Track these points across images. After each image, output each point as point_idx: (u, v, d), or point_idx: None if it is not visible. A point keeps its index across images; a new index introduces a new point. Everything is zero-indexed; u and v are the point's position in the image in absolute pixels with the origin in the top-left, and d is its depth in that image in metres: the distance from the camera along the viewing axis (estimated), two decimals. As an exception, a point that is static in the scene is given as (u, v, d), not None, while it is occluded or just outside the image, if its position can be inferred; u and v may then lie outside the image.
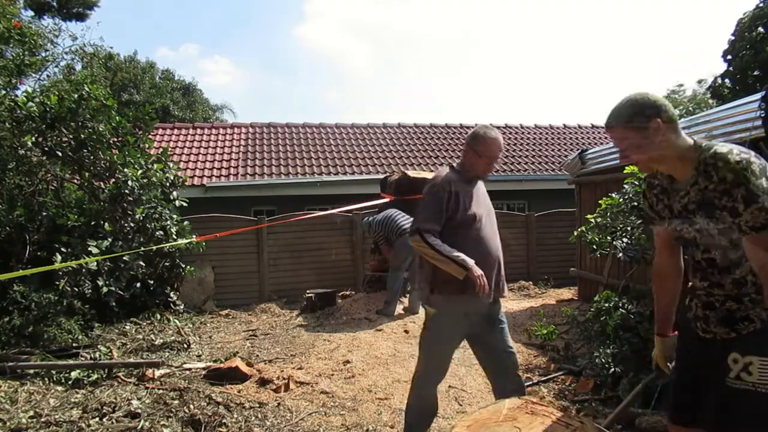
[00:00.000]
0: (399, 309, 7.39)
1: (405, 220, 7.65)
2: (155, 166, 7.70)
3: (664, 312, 2.09)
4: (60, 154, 7.14)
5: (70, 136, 7.12)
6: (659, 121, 1.73)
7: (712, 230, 1.72)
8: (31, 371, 4.77)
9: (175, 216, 7.56)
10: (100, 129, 7.19)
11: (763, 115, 4.19)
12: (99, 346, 5.64)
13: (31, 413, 3.83)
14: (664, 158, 1.78)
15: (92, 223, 6.81)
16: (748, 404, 1.68)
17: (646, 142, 1.74)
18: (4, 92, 7.50)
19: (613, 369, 4.10)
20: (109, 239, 6.56)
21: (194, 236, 7.29)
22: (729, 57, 16.77)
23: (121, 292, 6.63)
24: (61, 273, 6.01)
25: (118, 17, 47.03)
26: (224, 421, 3.70)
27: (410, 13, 74.25)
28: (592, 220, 4.62)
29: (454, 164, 2.93)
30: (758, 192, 1.56)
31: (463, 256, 2.64)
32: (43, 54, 12.49)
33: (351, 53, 63.52)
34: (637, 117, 1.74)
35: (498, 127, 15.95)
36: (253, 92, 58.66)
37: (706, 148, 1.72)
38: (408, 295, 7.73)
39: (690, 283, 1.94)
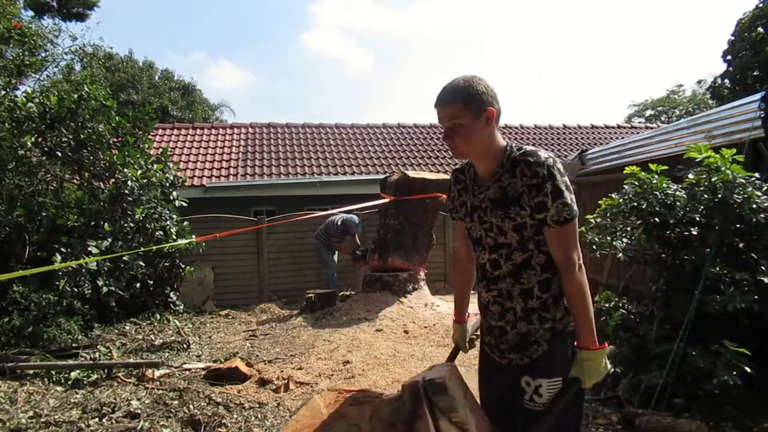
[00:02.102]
0: (399, 309, 7.39)
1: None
2: (155, 166, 7.70)
3: (462, 299, 2.14)
4: (60, 154, 7.14)
5: (70, 137, 7.12)
6: (493, 111, 1.74)
7: (506, 227, 1.75)
8: (31, 371, 4.76)
9: (175, 216, 7.56)
10: (100, 129, 7.19)
11: (763, 115, 4.19)
12: (99, 347, 5.64)
13: (31, 413, 3.82)
14: (481, 150, 1.77)
15: (92, 223, 6.81)
16: (550, 421, 1.73)
17: (476, 128, 1.72)
18: (4, 92, 7.50)
19: (613, 369, 4.10)
20: (109, 239, 6.55)
21: (194, 236, 7.29)
22: (729, 57, 16.79)
23: (121, 292, 6.63)
24: (60, 273, 6.01)
25: (122, 21, 47.04)
26: (224, 421, 3.70)
27: (411, 15, 74.25)
28: (592, 221, 4.62)
29: None
30: (563, 188, 1.67)
31: None
32: (43, 54, 12.48)
33: (352, 56, 63.51)
34: (475, 100, 1.72)
35: (497, 128, 16.10)
36: (256, 95, 58.69)
37: (515, 147, 1.78)
38: (408, 296, 7.72)
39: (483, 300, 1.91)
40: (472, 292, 2.13)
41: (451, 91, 1.74)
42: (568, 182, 1.70)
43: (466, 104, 1.71)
